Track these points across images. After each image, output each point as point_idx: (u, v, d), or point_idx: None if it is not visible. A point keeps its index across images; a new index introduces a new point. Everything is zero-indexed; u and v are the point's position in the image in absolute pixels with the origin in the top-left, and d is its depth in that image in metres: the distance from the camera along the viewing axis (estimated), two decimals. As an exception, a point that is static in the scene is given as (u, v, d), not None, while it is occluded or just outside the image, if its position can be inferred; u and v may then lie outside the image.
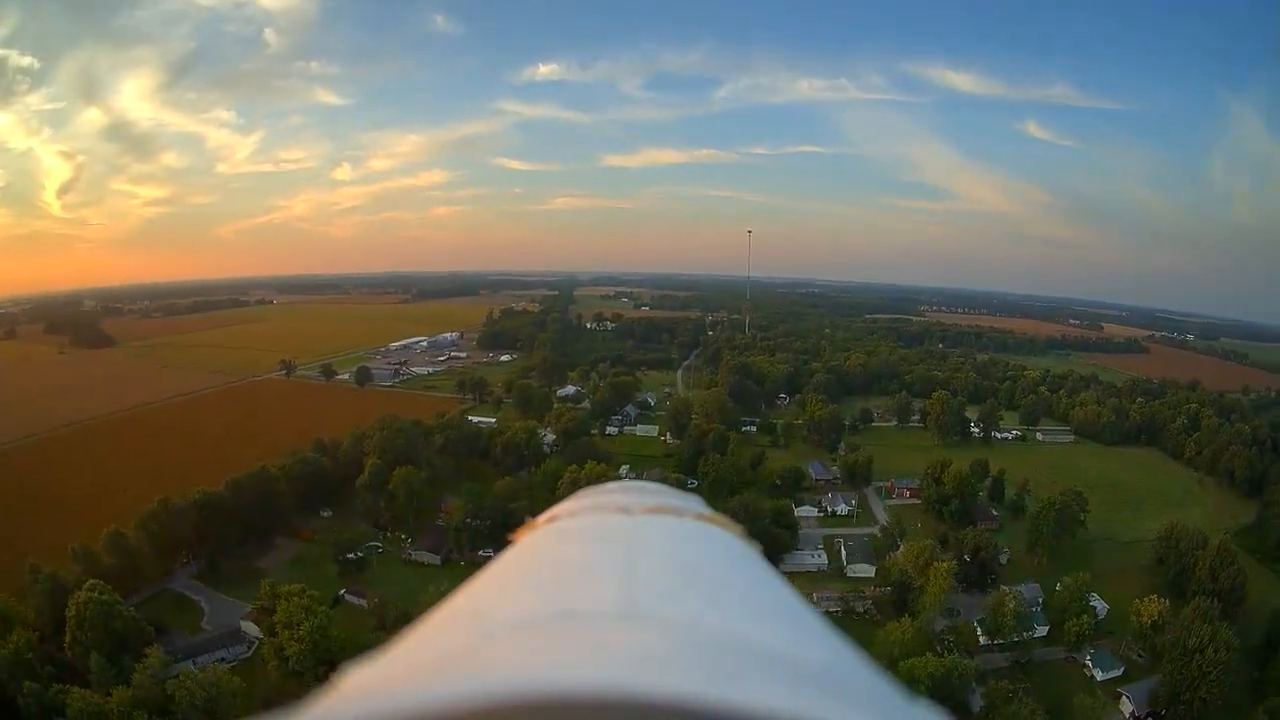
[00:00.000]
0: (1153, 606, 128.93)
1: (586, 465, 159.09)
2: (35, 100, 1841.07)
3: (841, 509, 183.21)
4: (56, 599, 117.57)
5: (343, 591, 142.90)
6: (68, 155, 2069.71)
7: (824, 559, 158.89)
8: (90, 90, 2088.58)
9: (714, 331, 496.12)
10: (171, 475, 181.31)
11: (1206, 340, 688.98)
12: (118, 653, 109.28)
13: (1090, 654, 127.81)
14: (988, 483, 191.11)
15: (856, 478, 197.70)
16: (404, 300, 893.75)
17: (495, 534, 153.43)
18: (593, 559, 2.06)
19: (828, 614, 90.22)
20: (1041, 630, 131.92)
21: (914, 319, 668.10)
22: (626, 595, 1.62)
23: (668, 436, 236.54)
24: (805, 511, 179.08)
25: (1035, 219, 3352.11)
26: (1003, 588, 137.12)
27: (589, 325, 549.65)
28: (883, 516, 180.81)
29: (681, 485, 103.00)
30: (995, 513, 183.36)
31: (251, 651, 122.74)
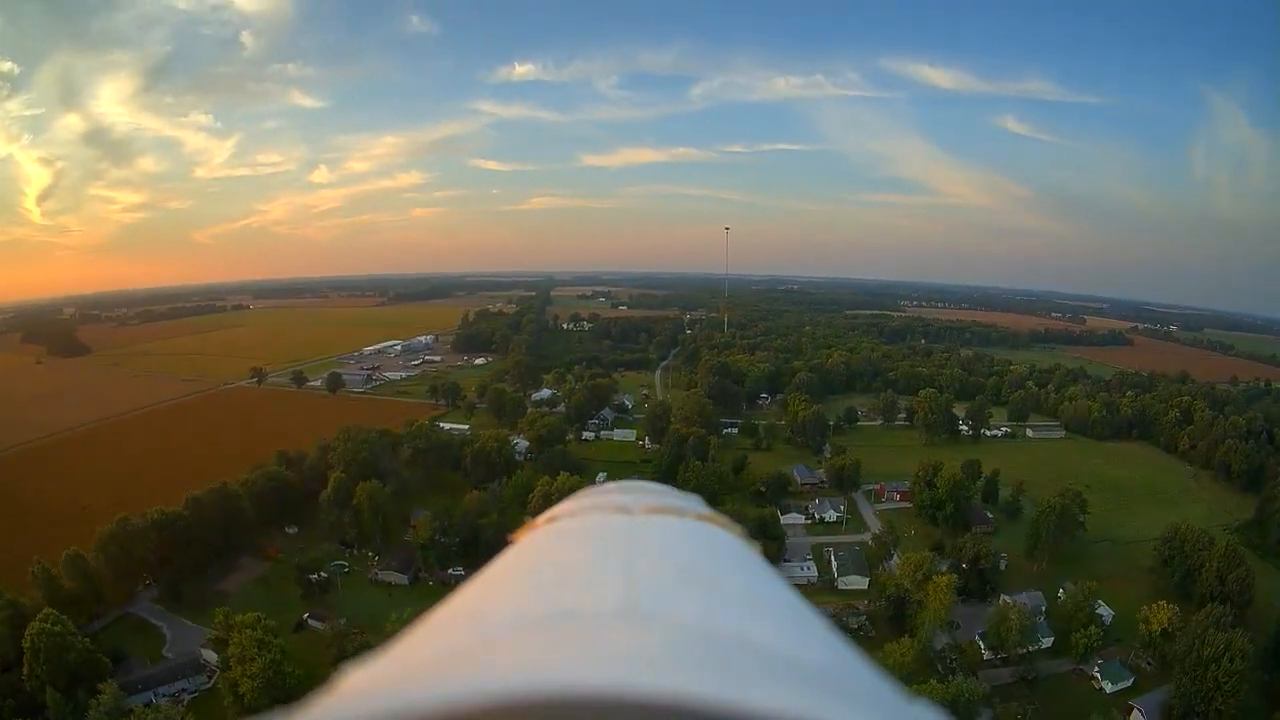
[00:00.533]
0: (1162, 614, 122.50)
1: (559, 477, 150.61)
2: (14, 106, 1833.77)
3: (830, 515, 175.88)
4: (16, 627, 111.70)
5: (306, 616, 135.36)
6: (47, 161, 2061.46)
7: (814, 571, 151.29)
8: (68, 95, 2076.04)
9: (692, 330, 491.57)
10: (137, 490, 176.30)
11: (1190, 332, 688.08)
12: (73, 686, 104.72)
13: (1099, 665, 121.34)
14: (981, 484, 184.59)
15: (844, 481, 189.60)
16: (380, 303, 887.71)
17: (465, 552, 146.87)
18: (593, 559, 2.06)
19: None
20: (1046, 641, 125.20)
21: (894, 314, 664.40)
22: (626, 595, 1.60)
23: (646, 441, 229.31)
24: (792, 519, 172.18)
25: (1015, 213, 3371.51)
26: (1004, 598, 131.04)
27: (566, 326, 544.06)
28: (874, 523, 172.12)
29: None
30: (990, 515, 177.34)
31: (212, 682, 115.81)
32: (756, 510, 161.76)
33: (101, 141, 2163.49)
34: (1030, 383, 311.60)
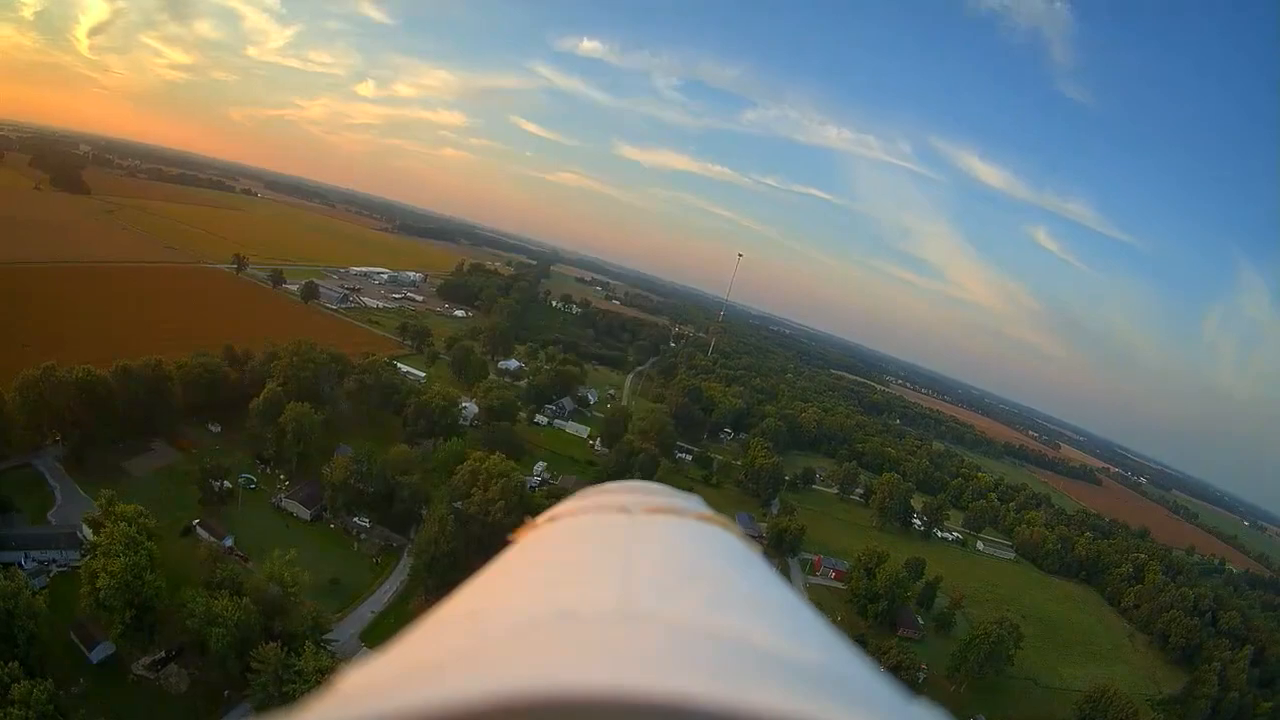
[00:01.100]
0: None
1: (492, 457, 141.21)
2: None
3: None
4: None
5: (196, 522, 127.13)
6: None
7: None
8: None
9: (676, 344, 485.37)
10: (76, 342, 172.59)
11: (1159, 489, 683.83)
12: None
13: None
14: (920, 585, 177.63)
15: (783, 545, 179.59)
16: (384, 229, 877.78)
17: (376, 504, 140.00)
18: (593, 559, 2.05)
19: None
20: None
21: (878, 387, 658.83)
22: (626, 595, 1.59)
23: (597, 442, 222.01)
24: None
25: (1018, 322, 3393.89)
26: None
27: (555, 304, 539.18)
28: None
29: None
30: (920, 622, 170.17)
31: (83, 562, 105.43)
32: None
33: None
34: (993, 494, 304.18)
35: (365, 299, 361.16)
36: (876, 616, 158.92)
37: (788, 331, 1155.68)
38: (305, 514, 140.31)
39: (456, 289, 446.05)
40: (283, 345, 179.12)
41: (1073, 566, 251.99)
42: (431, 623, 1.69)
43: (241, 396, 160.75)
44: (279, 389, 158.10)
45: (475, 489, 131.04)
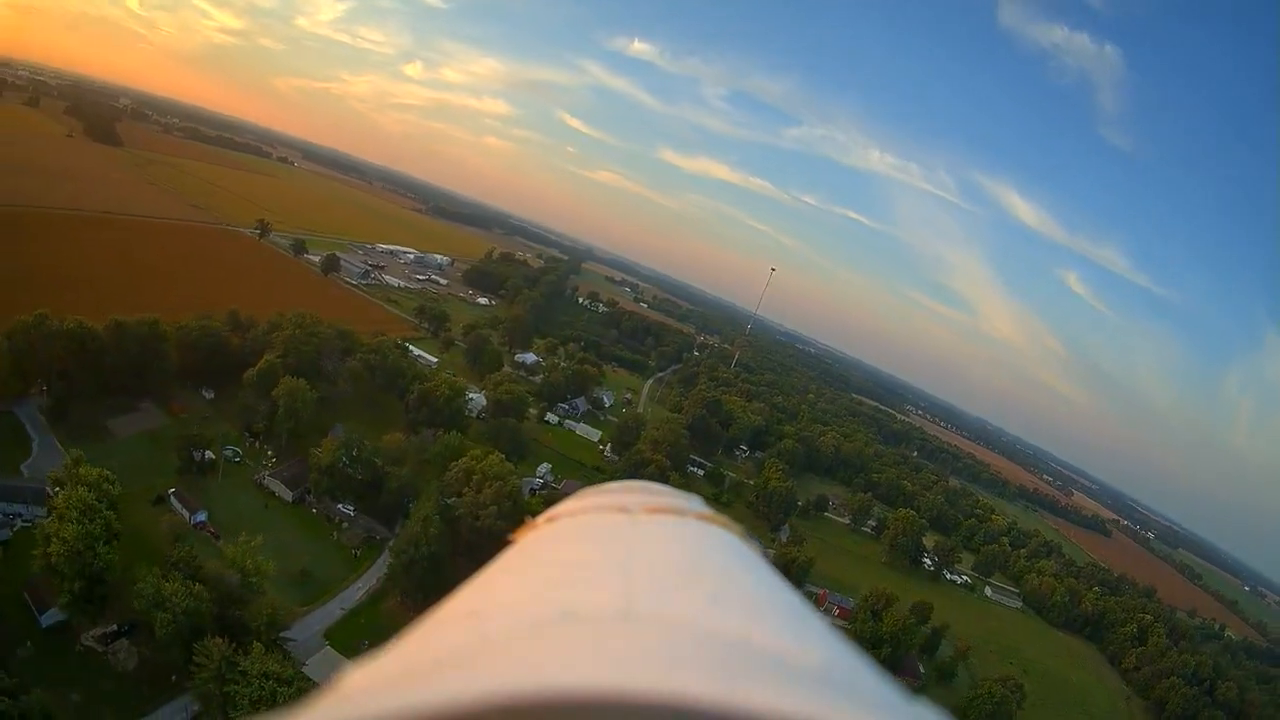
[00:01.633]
0: None
1: (489, 457, 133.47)
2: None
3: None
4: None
5: (171, 491, 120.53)
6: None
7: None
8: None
9: (700, 353, 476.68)
10: (76, 290, 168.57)
11: (1166, 546, 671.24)
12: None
13: None
14: (925, 631, 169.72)
15: (791, 575, 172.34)
16: (417, 209, 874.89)
17: (363, 493, 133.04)
18: (593, 559, 2.04)
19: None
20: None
21: (898, 416, 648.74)
22: (626, 595, 1.58)
23: (608, 448, 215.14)
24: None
25: (1042, 364, 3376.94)
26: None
27: (581, 300, 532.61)
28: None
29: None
30: (922, 670, 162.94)
31: (40, 522, 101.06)
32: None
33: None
34: (1005, 539, 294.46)
35: (388, 277, 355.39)
36: (879, 661, 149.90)
37: (812, 350, 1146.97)
38: (288, 495, 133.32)
39: (483, 276, 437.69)
40: (286, 316, 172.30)
41: (1078, 621, 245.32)
42: (432, 623, 1.66)
43: (241, 365, 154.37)
44: (277, 361, 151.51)
45: (468, 489, 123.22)
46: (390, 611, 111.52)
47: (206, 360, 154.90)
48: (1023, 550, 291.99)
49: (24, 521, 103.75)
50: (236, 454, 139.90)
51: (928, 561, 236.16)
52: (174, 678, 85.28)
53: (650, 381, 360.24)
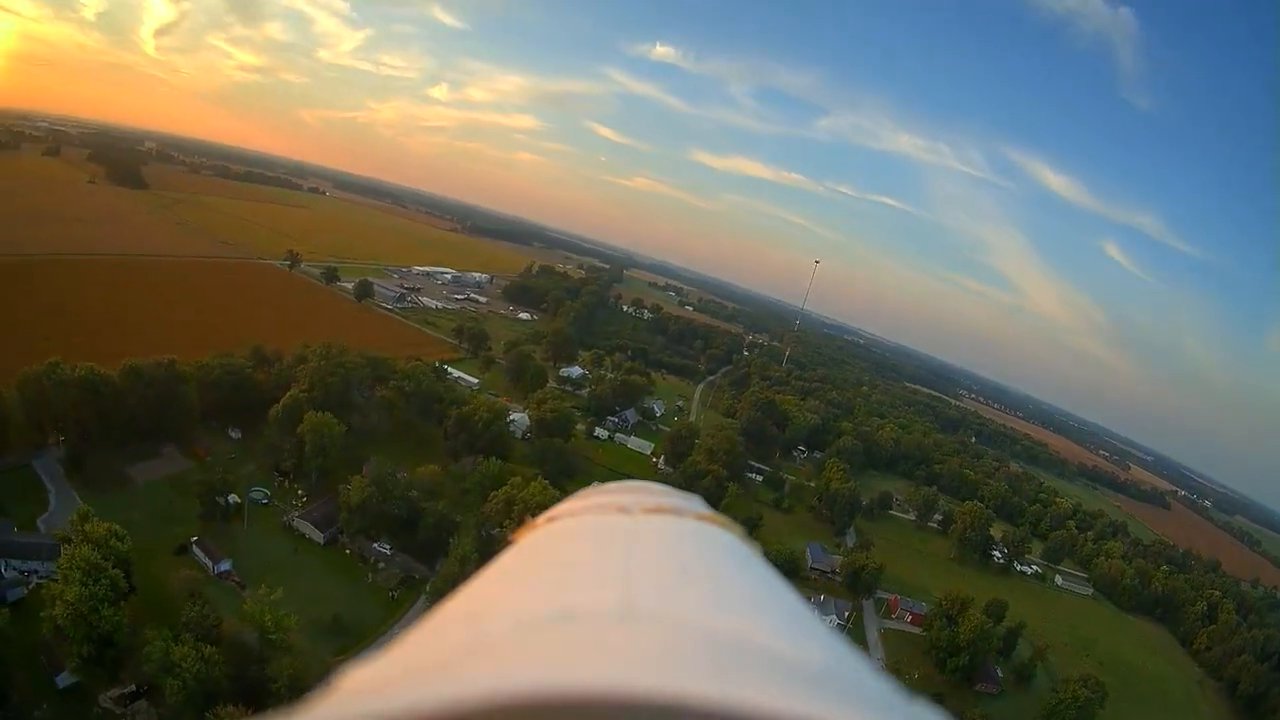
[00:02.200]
0: None
1: (531, 485, 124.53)
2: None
3: (832, 620, 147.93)
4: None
5: (193, 540, 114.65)
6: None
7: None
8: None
9: (750, 353, 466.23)
10: (101, 334, 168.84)
11: (1224, 514, 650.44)
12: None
13: None
14: (1000, 631, 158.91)
15: (859, 584, 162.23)
16: (453, 228, 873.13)
17: (400, 530, 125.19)
18: (593, 559, 2.03)
19: None
20: None
21: (952, 401, 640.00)
22: (626, 595, 1.57)
23: (661, 460, 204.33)
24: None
25: (1088, 337, 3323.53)
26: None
27: (625, 308, 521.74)
28: (876, 645, 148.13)
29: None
30: (999, 674, 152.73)
31: (46, 582, 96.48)
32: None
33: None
34: (1072, 523, 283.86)
35: (425, 299, 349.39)
36: (956, 671, 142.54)
37: (861, 341, 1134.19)
38: (319, 537, 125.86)
39: (523, 291, 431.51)
40: (312, 347, 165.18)
41: (1148, 603, 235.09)
42: (432, 623, 1.66)
43: (267, 401, 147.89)
44: (302, 395, 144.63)
45: (509, 521, 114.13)
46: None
47: (230, 398, 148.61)
48: (1089, 533, 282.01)
49: (40, 578, 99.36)
50: (265, 495, 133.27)
51: (997, 554, 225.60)
52: (198, 739, 79.57)
53: (701, 386, 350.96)
